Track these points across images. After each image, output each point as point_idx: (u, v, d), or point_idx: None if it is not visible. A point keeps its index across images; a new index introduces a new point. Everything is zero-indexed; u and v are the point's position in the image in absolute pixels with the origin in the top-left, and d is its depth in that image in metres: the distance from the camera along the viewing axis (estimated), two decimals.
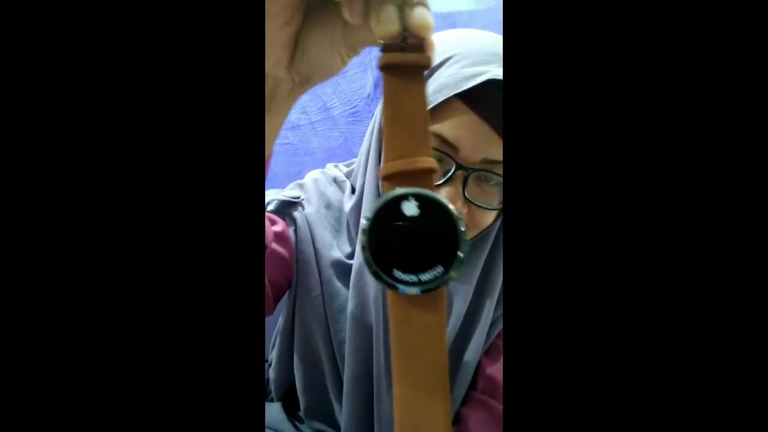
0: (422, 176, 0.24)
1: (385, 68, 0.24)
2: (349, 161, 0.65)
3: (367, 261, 0.24)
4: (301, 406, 0.61)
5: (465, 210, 0.48)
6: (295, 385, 0.61)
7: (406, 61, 0.24)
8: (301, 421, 0.61)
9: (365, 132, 0.59)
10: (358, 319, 0.54)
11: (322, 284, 0.56)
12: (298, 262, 0.56)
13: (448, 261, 0.24)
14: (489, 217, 0.51)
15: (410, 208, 0.24)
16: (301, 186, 0.61)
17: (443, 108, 0.46)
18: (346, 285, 0.55)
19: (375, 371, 0.54)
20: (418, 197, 0.24)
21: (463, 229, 0.24)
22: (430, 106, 0.25)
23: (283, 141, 1.11)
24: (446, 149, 0.46)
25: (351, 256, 0.56)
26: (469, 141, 0.46)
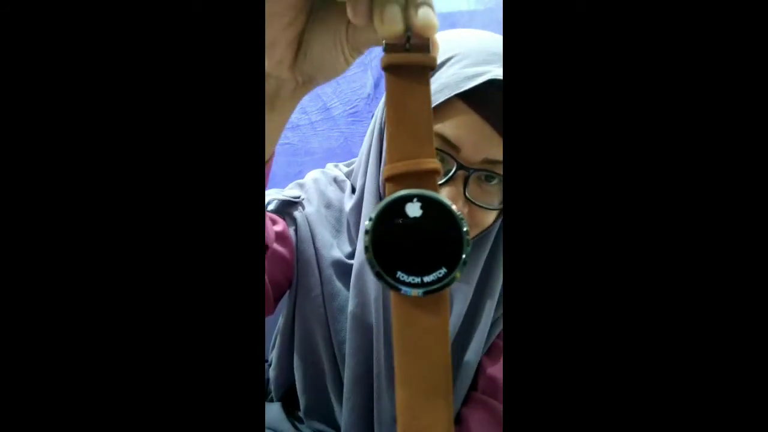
0: (426, 177, 0.24)
1: (389, 68, 0.24)
2: (349, 161, 0.65)
3: (370, 262, 0.24)
4: (301, 406, 0.61)
5: (466, 210, 0.48)
6: (295, 385, 0.61)
7: (410, 61, 0.24)
8: (301, 421, 0.61)
9: (365, 132, 0.59)
10: (359, 318, 0.54)
11: (322, 284, 0.56)
12: (299, 262, 0.56)
13: (452, 263, 0.24)
14: (490, 217, 0.51)
15: (413, 210, 0.23)
16: (301, 186, 0.61)
17: (444, 108, 0.46)
18: (347, 285, 0.55)
19: (375, 371, 0.54)
20: (421, 199, 0.23)
21: (466, 230, 0.24)
22: (431, 106, 0.25)
23: (283, 141, 1.11)
24: (447, 149, 0.46)
25: (351, 255, 0.56)
26: (470, 141, 0.46)
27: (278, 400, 0.64)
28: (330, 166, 0.64)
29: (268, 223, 0.51)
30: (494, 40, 0.48)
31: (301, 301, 0.57)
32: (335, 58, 0.28)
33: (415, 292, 0.24)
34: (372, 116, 0.58)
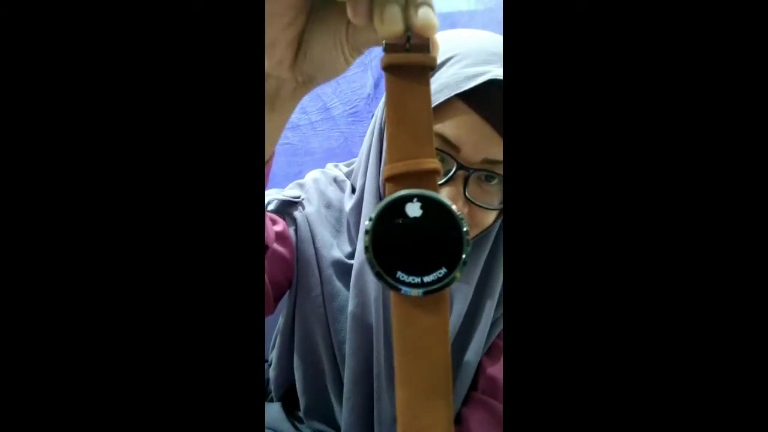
0: (426, 177, 0.24)
1: (389, 68, 0.24)
2: (349, 161, 0.65)
3: (370, 262, 0.24)
4: (301, 406, 0.61)
5: (466, 210, 0.48)
6: (295, 384, 0.61)
7: (410, 61, 0.24)
8: (301, 421, 0.61)
9: (365, 132, 0.59)
10: (359, 318, 0.54)
11: (322, 284, 0.56)
12: (299, 262, 0.56)
13: (452, 262, 0.24)
14: (490, 217, 0.51)
15: (413, 210, 0.23)
16: (301, 186, 0.61)
17: (444, 108, 0.46)
18: (347, 285, 0.55)
19: (375, 371, 0.54)
20: (421, 199, 0.23)
21: (467, 230, 0.24)
22: (431, 106, 0.25)
23: (283, 141, 1.11)
24: (447, 149, 0.46)
25: (351, 255, 0.56)
26: (471, 141, 0.46)
27: (278, 400, 0.64)
28: (330, 166, 0.64)
29: (268, 223, 0.51)
30: (494, 40, 0.48)
31: (301, 301, 0.57)
32: (335, 58, 0.28)
33: (415, 292, 0.24)
34: (372, 116, 0.58)
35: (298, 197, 0.58)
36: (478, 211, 0.49)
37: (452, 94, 0.45)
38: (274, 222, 0.55)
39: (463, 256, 0.24)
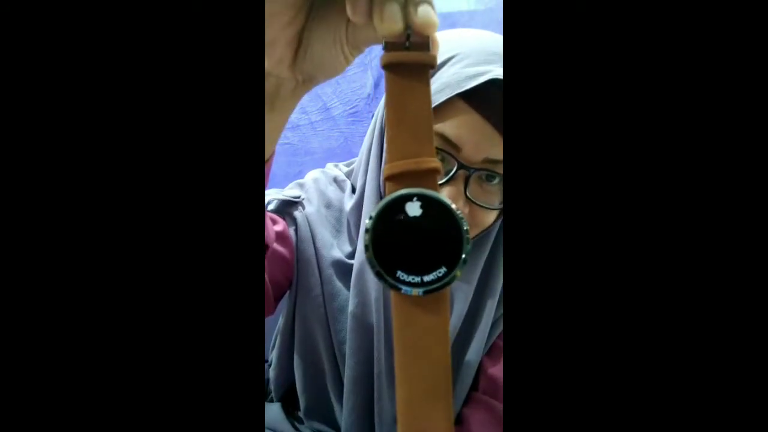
0: (426, 177, 0.24)
1: (389, 67, 0.24)
2: (349, 161, 0.65)
3: (370, 261, 0.24)
4: (301, 406, 0.61)
5: (466, 209, 0.48)
6: (295, 384, 0.61)
7: (410, 59, 0.24)
8: (301, 422, 0.61)
9: (365, 132, 0.59)
10: (359, 318, 0.54)
11: (322, 284, 0.56)
12: (299, 262, 0.56)
13: (452, 262, 0.24)
14: (490, 217, 0.51)
15: (414, 209, 0.23)
16: (301, 185, 0.61)
17: (445, 107, 0.46)
18: (347, 285, 0.55)
19: (376, 371, 0.54)
20: (421, 198, 0.23)
21: (466, 229, 0.24)
22: (432, 106, 0.25)
23: (283, 141, 1.11)
24: (448, 149, 0.46)
25: (351, 255, 0.56)
26: (471, 140, 0.46)
27: (278, 400, 0.64)
28: (330, 165, 0.64)
29: (268, 222, 0.51)
30: (495, 40, 0.48)
31: (302, 301, 0.57)
32: (335, 56, 0.27)
33: (415, 291, 0.24)
34: (372, 116, 0.58)
35: (298, 197, 0.58)
36: (479, 211, 0.49)
37: (453, 94, 0.45)
38: (274, 222, 0.55)
39: (463, 255, 0.24)
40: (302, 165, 1.17)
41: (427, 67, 0.24)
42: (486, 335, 0.57)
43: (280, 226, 0.55)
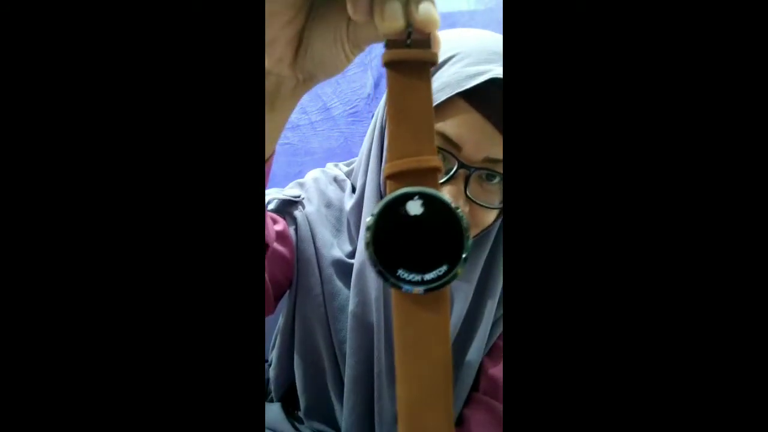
0: (427, 175, 0.24)
1: (390, 65, 0.24)
2: (349, 161, 0.65)
3: (371, 259, 0.24)
4: (301, 406, 0.61)
5: (467, 209, 0.48)
6: (295, 384, 0.61)
7: (411, 57, 0.24)
8: (301, 422, 0.61)
9: (365, 132, 0.59)
10: (359, 318, 0.54)
11: (322, 283, 0.56)
12: (299, 261, 0.56)
13: (453, 260, 0.24)
14: (490, 216, 0.51)
15: (415, 207, 0.23)
16: (301, 185, 0.61)
17: (446, 107, 0.46)
18: (347, 284, 0.55)
19: (376, 370, 0.54)
20: (422, 196, 0.23)
21: (467, 228, 0.24)
22: (433, 105, 0.25)
23: (283, 141, 1.11)
24: (449, 148, 0.46)
25: (351, 255, 0.56)
26: (472, 140, 0.46)
27: (278, 400, 0.64)
28: (330, 165, 0.64)
29: (268, 222, 0.51)
30: (495, 40, 0.48)
31: (302, 301, 0.57)
32: (336, 55, 0.27)
33: (416, 289, 0.24)
34: (372, 116, 0.58)
35: (299, 196, 0.58)
36: (479, 210, 0.49)
37: (453, 93, 0.45)
38: (274, 221, 0.55)
39: (464, 253, 0.24)
40: (302, 165, 1.17)
41: (429, 65, 0.24)
42: (486, 335, 0.57)
43: (281, 225, 0.55)
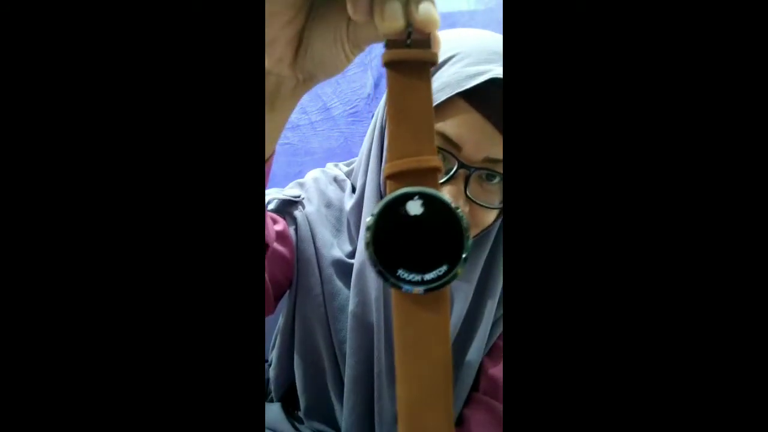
0: (427, 175, 0.24)
1: (390, 65, 0.24)
2: (349, 160, 0.65)
3: (371, 259, 0.24)
4: (301, 406, 0.61)
5: (467, 209, 0.48)
6: (295, 384, 0.61)
7: (411, 57, 0.24)
8: (301, 422, 0.61)
9: (365, 132, 0.59)
10: (359, 318, 0.54)
11: (322, 283, 0.56)
12: (299, 261, 0.56)
13: (453, 260, 0.24)
14: (490, 216, 0.51)
15: (415, 207, 0.23)
16: (301, 185, 0.61)
17: (446, 106, 0.46)
18: (347, 284, 0.55)
19: (376, 370, 0.54)
20: (422, 196, 0.23)
21: (467, 227, 0.24)
22: (433, 105, 0.25)
23: (283, 141, 1.11)
24: (449, 148, 0.46)
25: (351, 255, 0.56)
26: (472, 140, 0.46)
27: (278, 400, 0.64)
28: (330, 165, 0.64)
29: (269, 222, 0.51)
30: (495, 40, 0.48)
31: (302, 301, 0.57)
32: (336, 55, 0.27)
33: (416, 289, 0.24)
34: (372, 116, 0.58)
35: (299, 196, 0.58)
36: (479, 210, 0.49)
37: (453, 93, 0.45)
38: (274, 221, 0.55)
39: (464, 253, 0.24)
40: (302, 165, 1.17)
41: (429, 65, 0.24)
42: (487, 335, 0.56)
43: (281, 225, 0.55)
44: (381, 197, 0.52)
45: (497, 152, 0.46)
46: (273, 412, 0.62)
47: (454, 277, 0.24)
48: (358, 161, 0.58)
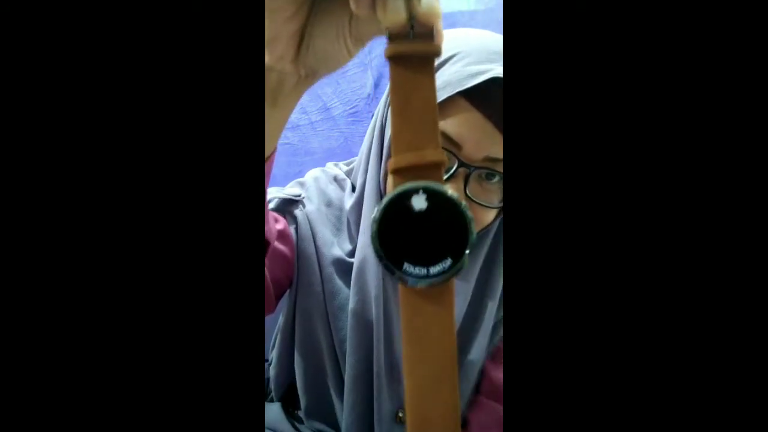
0: (431, 169, 0.24)
1: (393, 58, 0.24)
2: (349, 160, 0.65)
3: (376, 253, 0.24)
4: (302, 405, 0.60)
5: None
6: (295, 384, 0.61)
7: (414, 50, 0.23)
8: (301, 422, 0.61)
9: (365, 132, 0.59)
10: (359, 316, 0.54)
11: (323, 282, 0.56)
12: (299, 260, 0.56)
13: (457, 253, 0.24)
14: (489, 215, 0.51)
15: (419, 202, 0.23)
16: (301, 184, 0.61)
17: (446, 105, 0.46)
18: (347, 283, 0.55)
19: (375, 368, 0.54)
20: (426, 191, 0.23)
21: (471, 219, 0.24)
22: None
23: (283, 141, 1.10)
24: (449, 146, 0.46)
25: (352, 254, 0.56)
26: (472, 139, 0.46)
27: (278, 400, 0.64)
28: (330, 165, 0.65)
29: (270, 220, 0.50)
30: (496, 40, 0.49)
31: (302, 300, 0.57)
32: (338, 50, 0.27)
33: (422, 283, 0.24)
34: (372, 116, 0.58)
35: (299, 195, 0.58)
36: (478, 209, 0.49)
37: (455, 92, 0.45)
38: (275, 220, 0.55)
39: (468, 247, 0.24)
40: (302, 165, 1.17)
41: (432, 58, 0.24)
42: (488, 336, 0.56)
43: (281, 224, 0.55)
44: (381, 196, 0.52)
45: (497, 151, 0.46)
46: (273, 411, 0.62)
47: (459, 270, 0.24)
48: (358, 160, 0.58)
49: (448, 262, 0.24)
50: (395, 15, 0.23)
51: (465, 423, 0.57)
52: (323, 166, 0.65)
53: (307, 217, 0.57)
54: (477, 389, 0.58)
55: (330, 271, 0.56)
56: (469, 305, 0.56)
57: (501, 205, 0.50)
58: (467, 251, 0.24)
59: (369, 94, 1.13)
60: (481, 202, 0.48)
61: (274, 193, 0.59)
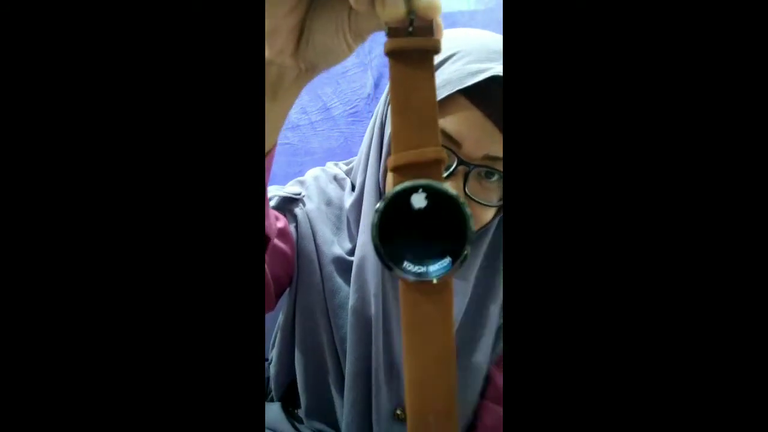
0: (431, 167, 0.24)
1: (392, 54, 0.24)
2: (349, 160, 0.65)
3: (377, 251, 0.24)
4: (302, 404, 0.60)
5: None
6: (295, 383, 0.61)
7: (414, 45, 0.23)
8: (301, 421, 0.61)
9: (365, 132, 0.59)
10: (359, 313, 0.54)
11: (323, 280, 0.56)
12: (299, 259, 0.56)
13: (456, 250, 0.24)
14: (488, 214, 0.51)
15: (419, 200, 0.23)
16: (301, 183, 0.61)
17: (446, 104, 0.46)
18: (347, 281, 0.55)
19: (374, 366, 0.54)
20: (426, 188, 0.24)
21: (470, 216, 0.24)
22: None
23: (283, 141, 1.10)
24: (448, 144, 0.46)
25: (351, 252, 0.56)
26: (472, 137, 0.46)
27: (278, 399, 0.64)
28: (330, 164, 0.65)
29: (270, 216, 0.50)
30: (496, 39, 0.49)
31: (302, 298, 0.57)
32: (338, 44, 0.27)
33: (421, 279, 0.24)
34: (372, 116, 0.58)
35: (299, 194, 0.59)
36: (477, 208, 0.49)
37: (454, 90, 0.45)
38: (275, 218, 0.55)
39: (468, 244, 0.24)
40: (302, 165, 1.17)
41: (431, 53, 0.24)
42: (491, 340, 0.57)
43: (281, 222, 0.55)
44: (380, 195, 0.52)
45: (497, 150, 0.46)
46: (273, 411, 0.62)
47: (459, 266, 0.24)
48: (358, 159, 0.58)
49: (448, 259, 0.24)
50: (394, 9, 0.23)
51: (471, 428, 0.57)
52: (323, 165, 0.65)
53: (307, 215, 0.57)
54: (483, 395, 0.58)
55: (330, 269, 0.56)
56: (469, 304, 0.56)
57: (500, 203, 0.50)
58: (467, 249, 0.24)
59: (369, 94, 1.13)
60: (480, 201, 0.48)
61: (274, 192, 0.59)
